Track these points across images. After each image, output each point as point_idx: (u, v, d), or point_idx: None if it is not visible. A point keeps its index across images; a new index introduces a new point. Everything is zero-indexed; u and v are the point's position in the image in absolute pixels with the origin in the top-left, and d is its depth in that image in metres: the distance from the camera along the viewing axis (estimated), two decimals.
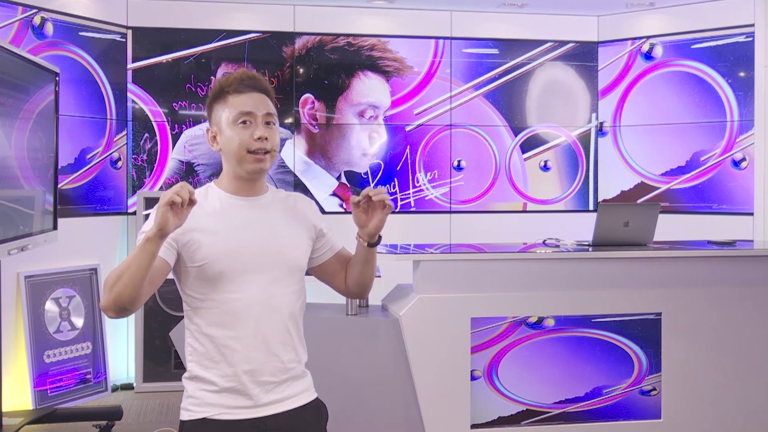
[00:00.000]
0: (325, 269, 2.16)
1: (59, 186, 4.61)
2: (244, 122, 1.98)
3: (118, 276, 1.77)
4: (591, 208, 6.20)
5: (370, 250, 2.05)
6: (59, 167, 4.56)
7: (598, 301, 3.82)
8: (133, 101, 5.62)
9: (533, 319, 3.77)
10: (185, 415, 1.97)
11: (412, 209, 5.96)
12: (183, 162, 5.70)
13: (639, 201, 5.95)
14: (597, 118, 6.23)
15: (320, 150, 5.91)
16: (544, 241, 4.23)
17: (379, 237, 2.05)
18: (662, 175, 5.93)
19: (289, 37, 5.84)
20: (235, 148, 1.98)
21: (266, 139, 1.98)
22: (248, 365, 1.94)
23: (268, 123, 2.00)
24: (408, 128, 6.00)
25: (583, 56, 6.21)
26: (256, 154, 1.98)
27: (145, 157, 5.64)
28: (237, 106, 1.99)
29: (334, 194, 5.91)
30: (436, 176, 6.03)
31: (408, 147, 6.01)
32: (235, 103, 2.00)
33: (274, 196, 2.09)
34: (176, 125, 5.69)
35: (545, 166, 6.21)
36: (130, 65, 5.62)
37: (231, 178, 2.04)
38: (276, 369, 1.97)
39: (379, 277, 3.81)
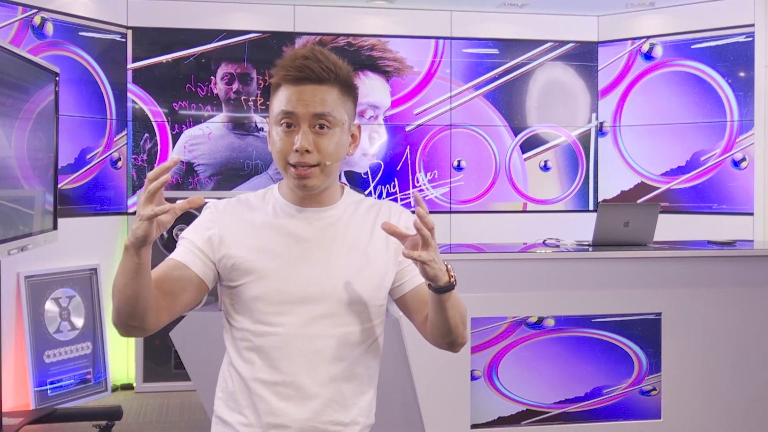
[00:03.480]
0: (408, 304, 1.66)
1: (59, 186, 4.61)
2: (288, 125, 1.54)
3: (114, 289, 1.47)
4: (591, 208, 6.20)
5: (437, 296, 1.51)
6: (59, 167, 4.56)
7: (598, 301, 3.82)
8: (133, 101, 5.62)
9: (533, 319, 3.77)
10: None
11: (412, 209, 5.95)
12: (183, 162, 5.70)
13: (639, 201, 5.95)
14: (597, 118, 6.23)
15: None
16: (544, 241, 4.23)
17: (450, 284, 1.51)
18: (662, 175, 5.92)
19: (289, 37, 5.84)
20: (275, 155, 1.58)
21: (308, 151, 1.52)
22: (275, 418, 1.56)
23: (319, 127, 1.53)
24: (408, 128, 6.00)
25: (583, 56, 6.21)
26: (296, 169, 1.54)
27: (145, 157, 5.64)
28: (281, 103, 1.54)
29: None
30: (436, 176, 6.03)
31: (408, 147, 6.01)
32: (282, 96, 1.55)
33: (348, 206, 1.65)
34: (176, 125, 5.69)
35: (545, 166, 6.21)
36: (130, 65, 5.62)
37: (287, 184, 1.62)
38: (313, 429, 1.57)
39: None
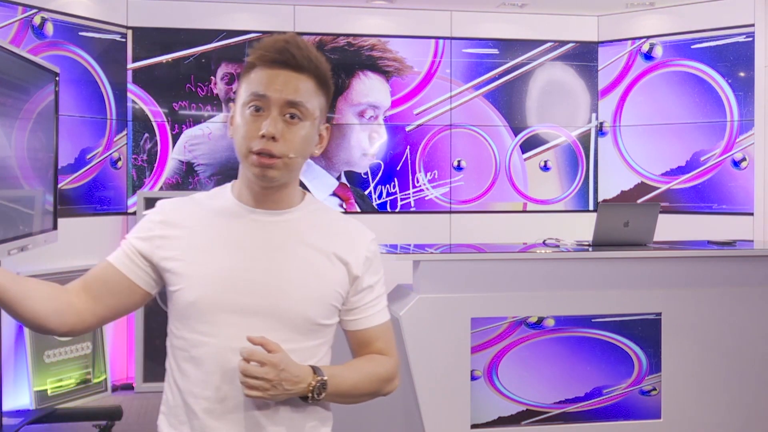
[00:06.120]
0: (350, 341, 1.56)
1: (59, 186, 4.61)
2: (256, 108, 1.41)
3: None
4: (591, 208, 6.20)
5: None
6: (59, 167, 4.56)
7: (598, 301, 3.82)
8: (133, 101, 5.62)
9: (533, 319, 3.77)
10: None
11: (412, 209, 5.96)
12: (183, 162, 5.70)
13: (639, 201, 5.95)
14: (597, 118, 6.23)
15: None
16: (544, 241, 4.23)
17: (311, 396, 1.41)
18: (662, 175, 5.92)
19: None
20: (237, 141, 1.43)
21: (274, 138, 1.39)
22: None
23: (290, 116, 1.41)
24: (408, 128, 6.00)
25: (583, 56, 6.21)
26: (259, 156, 1.40)
27: (145, 157, 5.64)
28: (252, 84, 1.42)
29: (334, 194, 5.91)
30: (436, 176, 6.03)
31: (408, 147, 6.01)
32: (255, 78, 1.43)
33: (306, 214, 1.50)
34: (176, 125, 5.69)
35: (545, 166, 6.21)
36: (130, 65, 5.62)
37: (242, 179, 1.49)
38: None
39: None
